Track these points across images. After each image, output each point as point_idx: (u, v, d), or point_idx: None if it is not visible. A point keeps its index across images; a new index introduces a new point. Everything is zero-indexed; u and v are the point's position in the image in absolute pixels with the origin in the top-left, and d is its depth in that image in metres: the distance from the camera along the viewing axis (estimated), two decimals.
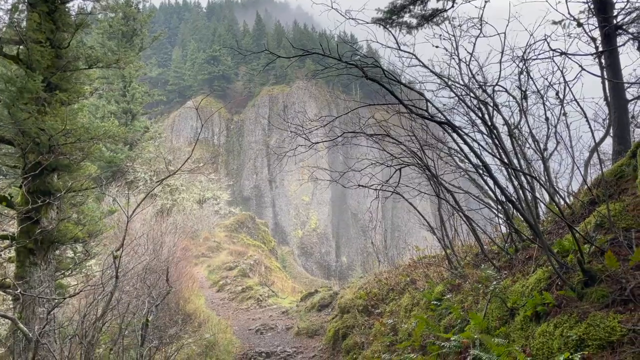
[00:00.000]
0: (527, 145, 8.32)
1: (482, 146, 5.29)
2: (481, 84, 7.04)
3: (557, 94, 8.14)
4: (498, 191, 5.60)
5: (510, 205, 5.56)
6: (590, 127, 5.73)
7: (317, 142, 7.75)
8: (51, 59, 11.54)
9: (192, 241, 30.39)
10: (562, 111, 7.95)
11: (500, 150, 5.09)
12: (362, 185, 7.96)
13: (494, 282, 4.94)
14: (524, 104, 6.36)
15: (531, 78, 7.45)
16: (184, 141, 75.77)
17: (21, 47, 9.73)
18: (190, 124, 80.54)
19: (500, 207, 5.81)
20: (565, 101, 7.73)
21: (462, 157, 9.14)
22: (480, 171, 6.23)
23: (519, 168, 5.46)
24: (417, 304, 6.96)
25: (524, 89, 6.22)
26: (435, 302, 6.20)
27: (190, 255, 26.93)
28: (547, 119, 7.82)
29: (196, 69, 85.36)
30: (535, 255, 4.96)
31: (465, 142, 4.64)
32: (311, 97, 77.68)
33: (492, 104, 6.53)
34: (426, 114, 5.14)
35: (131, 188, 32.02)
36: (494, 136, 5.37)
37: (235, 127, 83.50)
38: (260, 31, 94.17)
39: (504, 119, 6.57)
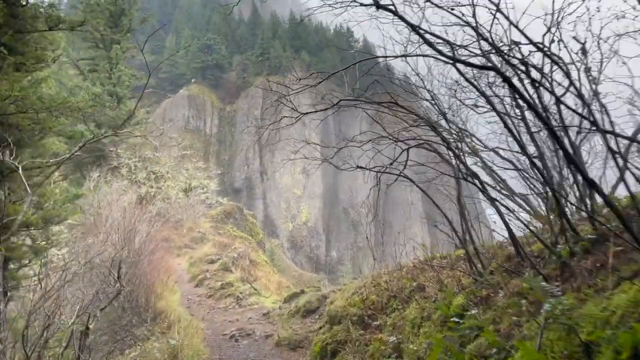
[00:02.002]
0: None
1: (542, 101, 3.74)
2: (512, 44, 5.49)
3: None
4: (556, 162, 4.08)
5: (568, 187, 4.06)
6: None
7: (306, 113, 6.46)
8: (4, 17, 10.14)
9: (175, 231, 28.70)
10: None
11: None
12: (361, 167, 6.45)
13: (552, 300, 3.40)
14: (585, 60, 4.78)
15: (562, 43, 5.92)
16: (175, 129, 73.88)
17: None
18: (182, 112, 78.69)
19: (549, 190, 4.25)
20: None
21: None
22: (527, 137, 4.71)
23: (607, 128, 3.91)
24: (428, 318, 5.42)
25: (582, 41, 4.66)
26: (455, 319, 4.66)
27: (173, 247, 25.25)
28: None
29: (190, 57, 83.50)
30: (611, 263, 3.44)
31: (517, 92, 3.11)
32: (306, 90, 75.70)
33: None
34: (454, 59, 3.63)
35: (115, 174, 30.32)
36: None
37: (227, 117, 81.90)
38: (255, 21, 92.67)
39: (549, 84, 5.03)
